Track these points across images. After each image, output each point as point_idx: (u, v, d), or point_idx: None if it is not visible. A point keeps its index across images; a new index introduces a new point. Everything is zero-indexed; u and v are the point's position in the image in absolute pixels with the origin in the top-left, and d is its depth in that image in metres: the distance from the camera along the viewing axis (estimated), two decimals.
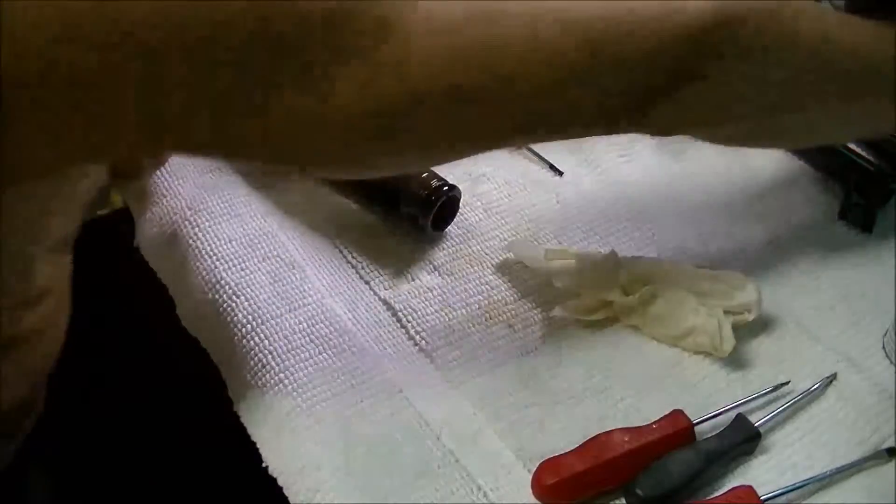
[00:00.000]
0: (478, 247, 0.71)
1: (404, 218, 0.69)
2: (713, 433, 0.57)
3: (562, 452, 0.56)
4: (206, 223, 0.71)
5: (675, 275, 0.66)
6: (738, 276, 0.65)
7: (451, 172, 0.77)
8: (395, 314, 0.66)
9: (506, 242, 0.72)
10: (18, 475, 0.74)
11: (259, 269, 0.68)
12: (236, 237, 0.70)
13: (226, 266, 0.68)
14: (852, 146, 0.80)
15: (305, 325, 0.64)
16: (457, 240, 0.72)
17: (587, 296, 0.65)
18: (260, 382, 0.61)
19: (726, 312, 0.63)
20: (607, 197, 0.76)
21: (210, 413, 0.79)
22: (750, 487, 0.54)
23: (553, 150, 0.80)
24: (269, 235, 0.70)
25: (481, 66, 0.43)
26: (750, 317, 0.64)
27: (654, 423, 0.57)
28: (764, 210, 0.76)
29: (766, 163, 0.81)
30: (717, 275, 0.66)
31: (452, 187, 0.69)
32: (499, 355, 0.63)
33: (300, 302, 0.65)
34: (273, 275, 0.67)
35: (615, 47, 0.46)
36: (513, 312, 0.66)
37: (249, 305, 0.65)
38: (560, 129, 0.51)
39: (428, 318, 0.65)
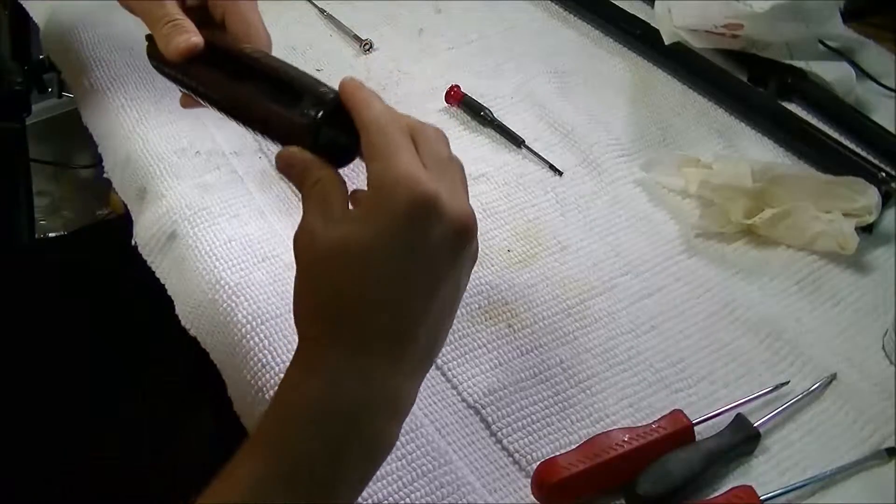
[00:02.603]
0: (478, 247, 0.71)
1: None
2: (713, 433, 0.58)
3: (562, 452, 0.56)
4: (206, 223, 0.71)
5: (798, 181, 0.72)
6: (858, 180, 0.70)
7: None
8: None
9: (506, 242, 0.72)
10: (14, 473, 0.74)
11: (259, 269, 0.68)
12: (236, 237, 0.70)
13: (226, 266, 0.68)
14: (852, 146, 0.80)
15: None
16: None
17: (722, 204, 0.72)
18: (260, 382, 0.61)
19: (847, 215, 0.68)
20: (607, 197, 0.76)
21: (210, 413, 0.79)
22: (750, 487, 0.54)
23: (553, 150, 0.80)
24: (269, 235, 0.70)
25: None
26: (870, 218, 0.69)
27: (654, 423, 0.57)
28: None
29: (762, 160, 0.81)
30: (838, 180, 0.71)
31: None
32: (499, 355, 0.63)
33: None
34: (273, 275, 0.67)
35: None
36: (513, 312, 0.66)
37: (249, 305, 0.65)
38: None
39: None
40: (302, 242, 0.47)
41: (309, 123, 0.48)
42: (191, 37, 0.57)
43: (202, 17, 0.61)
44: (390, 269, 0.45)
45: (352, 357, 0.45)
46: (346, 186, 0.48)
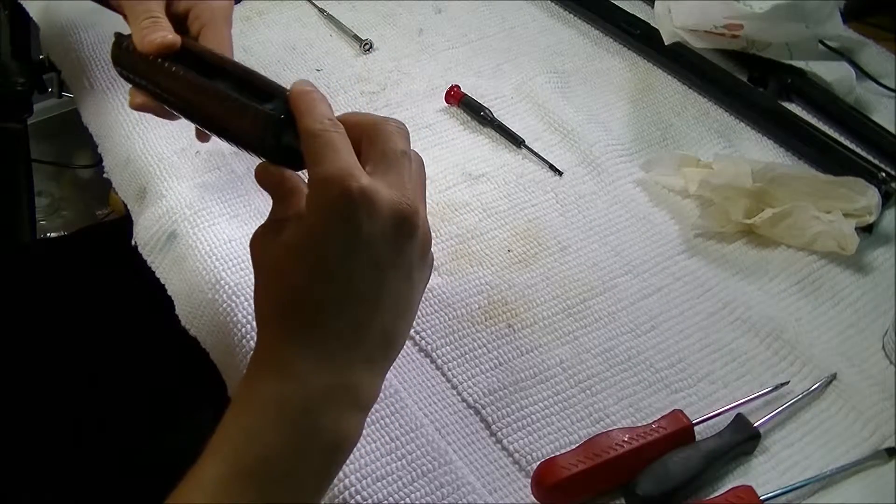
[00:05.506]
0: (478, 247, 0.71)
1: None
2: (713, 433, 0.58)
3: (562, 452, 0.56)
4: (206, 223, 0.71)
5: (798, 181, 0.72)
6: (858, 180, 0.71)
7: (450, 172, 0.77)
8: None
9: (506, 242, 0.72)
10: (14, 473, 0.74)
11: None
12: (236, 237, 0.70)
13: (226, 266, 0.68)
14: (852, 146, 0.80)
15: None
16: (457, 240, 0.72)
17: (721, 203, 0.72)
18: None
19: (847, 215, 0.68)
20: (607, 197, 0.76)
21: (210, 413, 0.79)
22: (750, 487, 0.54)
23: (553, 150, 0.80)
24: None
25: None
26: (870, 218, 0.69)
27: (654, 423, 0.57)
28: None
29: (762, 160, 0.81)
30: (838, 180, 0.71)
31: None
32: (499, 355, 0.63)
33: None
34: None
35: None
36: (513, 312, 0.66)
37: (249, 305, 0.65)
38: None
39: (428, 318, 0.65)
40: (254, 243, 0.49)
41: (277, 119, 0.49)
42: (167, 34, 0.58)
43: (179, 28, 0.61)
44: (331, 264, 0.45)
45: (303, 352, 0.46)
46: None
